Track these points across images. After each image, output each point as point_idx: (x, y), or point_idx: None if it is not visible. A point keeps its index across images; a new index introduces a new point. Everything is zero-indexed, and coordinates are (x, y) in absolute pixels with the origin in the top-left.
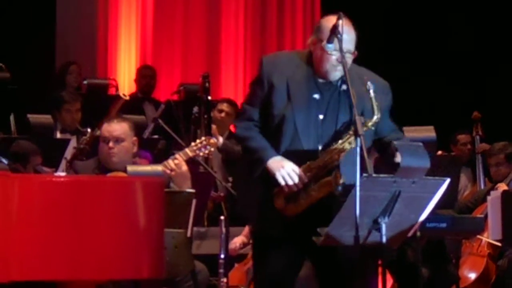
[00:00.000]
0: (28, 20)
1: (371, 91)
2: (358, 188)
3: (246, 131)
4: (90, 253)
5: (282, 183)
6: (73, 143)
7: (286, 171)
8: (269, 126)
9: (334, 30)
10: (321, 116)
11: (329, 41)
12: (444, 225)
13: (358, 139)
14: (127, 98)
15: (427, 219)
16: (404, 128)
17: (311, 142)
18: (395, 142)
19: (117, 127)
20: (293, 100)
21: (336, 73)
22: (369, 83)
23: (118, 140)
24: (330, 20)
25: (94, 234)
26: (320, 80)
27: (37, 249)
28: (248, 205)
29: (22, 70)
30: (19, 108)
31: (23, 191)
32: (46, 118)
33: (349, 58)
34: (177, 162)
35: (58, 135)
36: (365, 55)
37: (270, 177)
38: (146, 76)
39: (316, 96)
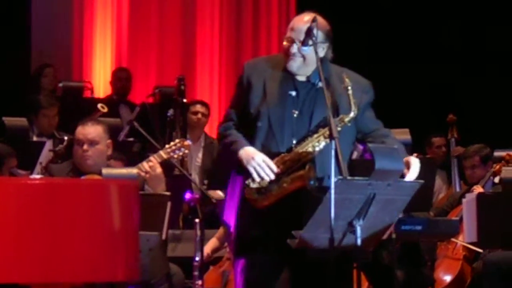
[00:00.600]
0: (2, 23)
1: (349, 87)
2: (332, 191)
3: (225, 130)
4: (64, 256)
5: (253, 173)
6: (48, 146)
7: (256, 162)
8: (246, 123)
9: (310, 33)
10: (296, 112)
11: (304, 43)
12: (419, 227)
13: (333, 142)
14: (105, 110)
15: (402, 221)
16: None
17: (286, 137)
18: (369, 145)
19: (91, 130)
20: (268, 97)
21: (291, 63)
22: (347, 80)
23: (92, 143)
24: (302, 20)
25: (69, 236)
26: (299, 79)
27: (11, 252)
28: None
29: None
30: None
31: None
32: (21, 121)
33: (307, 48)
34: (152, 165)
35: (35, 139)
36: (343, 56)
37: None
38: (121, 79)
39: (292, 93)
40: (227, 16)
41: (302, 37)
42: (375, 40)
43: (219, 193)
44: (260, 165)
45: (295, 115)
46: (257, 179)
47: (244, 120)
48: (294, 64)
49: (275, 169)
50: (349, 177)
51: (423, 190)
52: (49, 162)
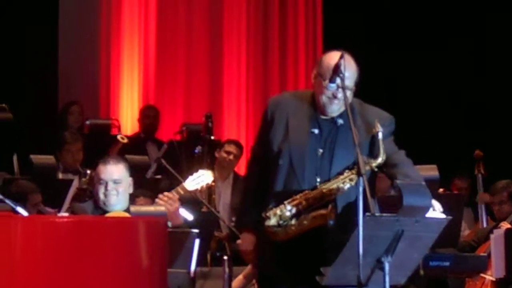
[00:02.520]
0: (30, 60)
1: (380, 134)
2: (361, 227)
3: (248, 180)
4: None
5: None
6: (75, 183)
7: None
8: (269, 161)
9: (337, 70)
10: (320, 151)
11: (332, 80)
12: (447, 263)
13: (361, 179)
14: (126, 141)
15: (430, 257)
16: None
17: (308, 175)
18: (397, 181)
19: (114, 169)
20: (291, 134)
21: (332, 107)
22: (378, 125)
23: (115, 181)
24: (331, 57)
25: (97, 275)
26: (322, 117)
27: None
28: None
29: (24, 110)
30: (21, 148)
31: (26, 231)
32: (48, 159)
33: (348, 94)
34: (170, 198)
35: (60, 176)
36: (366, 92)
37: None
38: (149, 116)
39: (315, 131)
40: (254, 53)
41: (352, 85)
42: (403, 72)
43: None
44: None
45: (319, 154)
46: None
47: (267, 156)
48: (335, 108)
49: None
50: (377, 214)
51: (450, 226)
52: (73, 199)
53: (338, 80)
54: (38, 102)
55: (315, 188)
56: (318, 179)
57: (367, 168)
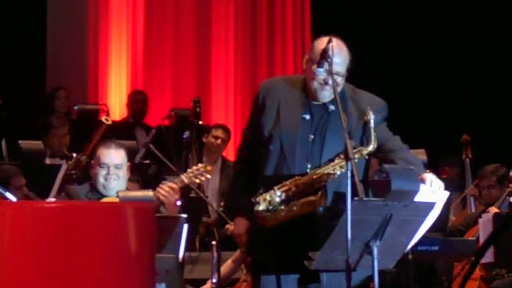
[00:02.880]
0: (18, 46)
1: (371, 121)
2: (349, 212)
3: (239, 164)
4: (80, 279)
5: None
6: (64, 168)
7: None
8: (260, 145)
9: (324, 54)
10: (311, 136)
11: (319, 65)
12: (436, 248)
13: (349, 163)
14: (109, 122)
15: (419, 242)
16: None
17: (299, 161)
18: (385, 166)
19: (116, 154)
20: (282, 120)
21: (324, 93)
22: (370, 112)
23: (117, 166)
24: (322, 42)
25: (85, 260)
26: (314, 102)
27: (29, 276)
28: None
29: (12, 96)
30: (10, 134)
31: (14, 217)
32: (37, 144)
33: (339, 80)
34: (172, 188)
35: (48, 161)
36: (359, 76)
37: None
38: (137, 101)
39: (306, 116)
40: (242, 37)
41: (343, 71)
42: (392, 59)
43: None
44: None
45: (310, 140)
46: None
47: (257, 141)
48: (327, 94)
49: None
50: (365, 198)
51: (440, 211)
52: (62, 183)
53: (327, 65)
54: (27, 87)
55: (305, 174)
56: (309, 165)
57: (358, 155)
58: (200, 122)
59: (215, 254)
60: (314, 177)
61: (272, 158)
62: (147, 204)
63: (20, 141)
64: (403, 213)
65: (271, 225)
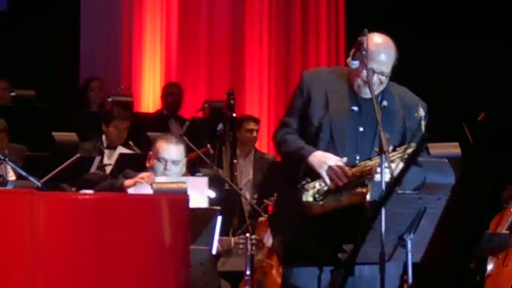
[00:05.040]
0: (52, 38)
1: (423, 118)
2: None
3: (282, 136)
4: (114, 271)
5: (325, 178)
6: (98, 160)
7: (330, 166)
8: (307, 134)
9: (359, 47)
10: (361, 129)
11: (354, 57)
12: None
13: (383, 156)
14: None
15: None
16: (432, 145)
17: (348, 152)
18: (420, 159)
19: (176, 150)
20: (331, 110)
21: (366, 90)
22: (421, 109)
23: (175, 162)
24: (371, 39)
25: (119, 251)
26: (363, 96)
27: (63, 267)
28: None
29: (46, 88)
30: (44, 125)
31: (49, 209)
32: (70, 136)
33: (384, 79)
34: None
35: (106, 152)
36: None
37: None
38: (172, 94)
39: (355, 108)
40: (275, 30)
41: (388, 70)
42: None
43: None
44: (334, 169)
45: (359, 131)
46: (328, 183)
47: (304, 129)
48: (366, 90)
49: (349, 173)
50: (400, 191)
51: None
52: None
53: (375, 65)
54: (60, 79)
55: (354, 165)
56: (358, 157)
57: (405, 152)
58: (234, 115)
59: (248, 247)
60: (364, 169)
61: (322, 146)
62: (181, 195)
63: (53, 133)
64: (437, 206)
65: (316, 213)
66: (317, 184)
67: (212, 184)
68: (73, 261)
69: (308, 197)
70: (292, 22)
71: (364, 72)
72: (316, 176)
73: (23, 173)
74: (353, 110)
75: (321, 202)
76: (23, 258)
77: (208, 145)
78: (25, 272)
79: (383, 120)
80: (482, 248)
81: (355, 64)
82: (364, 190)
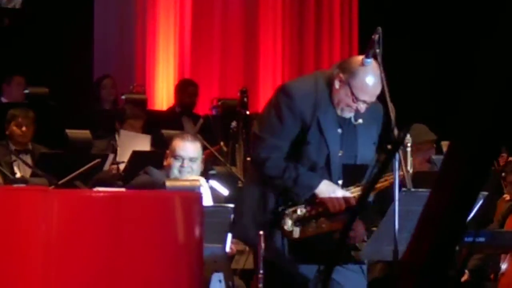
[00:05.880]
0: (65, 35)
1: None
2: (397, 203)
3: (277, 163)
4: (129, 268)
5: (332, 209)
6: (111, 158)
7: (337, 198)
8: (299, 157)
9: (373, 45)
10: (340, 153)
11: (367, 55)
12: (482, 239)
13: (397, 154)
14: None
15: (466, 233)
16: (446, 143)
17: (332, 178)
18: (433, 157)
19: (192, 147)
20: (327, 138)
21: (348, 113)
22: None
23: (191, 159)
24: (357, 61)
25: (133, 249)
26: (342, 115)
27: (77, 265)
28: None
29: (59, 85)
30: (57, 122)
31: (63, 206)
32: (84, 133)
33: (364, 107)
34: None
35: (119, 150)
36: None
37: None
38: (190, 94)
39: (339, 131)
40: (289, 27)
41: (373, 100)
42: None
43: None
44: (340, 201)
45: (339, 155)
46: (332, 210)
47: (297, 154)
48: (350, 115)
49: (353, 202)
50: (413, 189)
51: (487, 202)
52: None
53: (366, 97)
54: (74, 77)
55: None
56: (340, 182)
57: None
58: (248, 112)
59: (262, 244)
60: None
61: (316, 172)
62: (194, 193)
63: (67, 130)
64: None
65: (296, 239)
66: (298, 211)
67: (225, 181)
68: (87, 259)
69: (287, 223)
70: (305, 20)
71: (350, 100)
72: (295, 201)
73: (38, 171)
74: (338, 132)
75: (299, 227)
76: (37, 256)
77: (222, 143)
78: (39, 270)
79: (362, 136)
80: (496, 245)
81: (369, 62)
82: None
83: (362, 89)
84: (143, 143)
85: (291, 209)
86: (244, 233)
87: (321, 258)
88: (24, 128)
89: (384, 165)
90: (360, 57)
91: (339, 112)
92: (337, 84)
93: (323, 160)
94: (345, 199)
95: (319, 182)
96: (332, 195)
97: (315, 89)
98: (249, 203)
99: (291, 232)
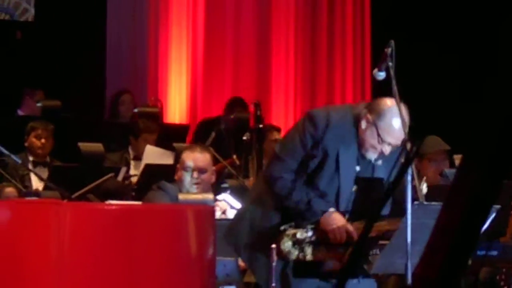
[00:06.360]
0: (78, 47)
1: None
2: (409, 216)
3: (289, 185)
4: (141, 282)
5: (333, 240)
6: (124, 171)
7: (339, 229)
8: (308, 184)
9: (385, 58)
10: (354, 187)
11: (380, 68)
12: (495, 252)
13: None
14: None
15: (478, 246)
16: (458, 156)
17: (341, 210)
18: (446, 170)
19: (201, 158)
20: (341, 175)
21: (372, 155)
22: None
23: (201, 170)
24: (385, 103)
25: (145, 263)
26: (365, 155)
27: (89, 278)
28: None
29: (72, 97)
30: (70, 136)
31: (75, 219)
32: (96, 147)
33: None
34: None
35: (132, 164)
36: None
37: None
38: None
39: (357, 168)
40: (301, 39)
41: (396, 143)
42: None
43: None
44: (341, 233)
45: (353, 190)
46: (333, 241)
47: (306, 180)
48: (374, 156)
49: (355, 237)
50: (425, 202)
51: (499, 215)
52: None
53: (392, 140)
54: (86, 89)
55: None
56: (347, 216)
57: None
58: (261, 126)
59: (274, 257)
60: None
61: (320, 200)
62: (206, 207)
63: (79, 143)
64: None
65: (292, 260)
66: (299, 234)
67: (238, 195)
68: (99, 272)
69: (285, 243)
70: (318, 32)
71: (375, 141)
72: (297, 223)
73: (51, 185)
74: (355, 170)
75: (297, 250)
76: (50, 269)
77: (234, 156)
78: (51, 283)
79: (379, 176)
80: (509, 259)
81: (381, 75)
82: (342, 252)
83: (389, 131)
84: (168, 159)
85: (292, 231)
86: (236, 245)
87: (319, 274)
88: (43, 140)
89: (387, 194)
90: (388, 99)
91: (363, 152)
92: (363, 124)
93: (333, 192)
94: (348, 232)
95: (329, 210)
96: (334, 227)
97: (343, 123)
98: (249, 217)
99: (288, 253)
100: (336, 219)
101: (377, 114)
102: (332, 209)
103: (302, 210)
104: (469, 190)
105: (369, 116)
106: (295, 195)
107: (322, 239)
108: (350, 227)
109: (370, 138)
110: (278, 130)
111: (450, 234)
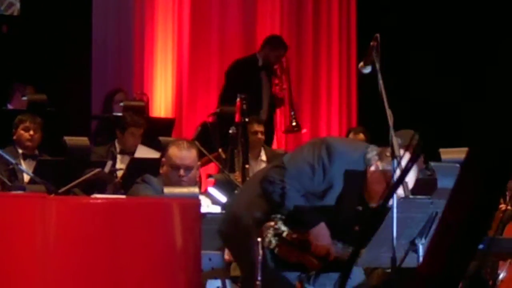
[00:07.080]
0: (63, 42)
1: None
2: (395, 209)
3: (298, 192)
4: (126, 275)
5: (313, 249)
6: (109, 165)
7: (323, 247)
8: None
9: (371, 53)
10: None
11: (366, 63)
12: (480, 246)
13: (395, 161)
14: None
15: None
16: (444, 150)
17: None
18: (432, 164)
19: (188, 155)
20: (341, 211)
21: (373, 203)
22: None
23: (188, 168)
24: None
25: (130, 256)
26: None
27: (74, 271)
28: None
29: (57, 92)
30: (55, 130)
31: (60, 213)
32: (82, 140)
33: None
34: None
35: (118, 157)
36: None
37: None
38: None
39: (359, 208)
40: (287, 34)
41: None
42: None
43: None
44: (321, 250)
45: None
46: (313, 250)
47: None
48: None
49: (331, 257)
50: (411, 196)
51: None
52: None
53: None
54: (72, 83)
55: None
56: (339, 244)
57: None
58: (247, 119)
59: (260, 251)
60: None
61: (314, 213)
62: (192, 200)
63: (65, 137)
64: None
65: (281, 256)
66: (283, 227)
67: (223, 188)
68: (85, 265)
69: (269, 235)
70: (303, 26)
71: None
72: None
73: (37, 179)
74: (357, 209)
75: (276, 248)
76: (35, 262)
77: (220, 150)
78: (36, 276)
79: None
80: (494, 252)
81: (367, 69)
82: (316, 263)
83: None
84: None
85: (280, 224)
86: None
87: (301, 267)
88: (31, 132)
89: (369, 226)
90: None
91: (366, 197)
92: (372, 165)
93: (325, 218)
94: (328, 250)
95: (320, 225)
96: (319, 244)
97: (357, 163)
98: (246, 196)
99: (279, 249)
100: (325, 236)
101: (388, 162)
102: (322, 224)
103: (292, 215)
104: (473, 190)
105: (379, 164)
106: (285, 201)
107: (302, 242)
108: (332, 249)
109: (376, 184)
110: (259, 121)
111: (453, 234)
